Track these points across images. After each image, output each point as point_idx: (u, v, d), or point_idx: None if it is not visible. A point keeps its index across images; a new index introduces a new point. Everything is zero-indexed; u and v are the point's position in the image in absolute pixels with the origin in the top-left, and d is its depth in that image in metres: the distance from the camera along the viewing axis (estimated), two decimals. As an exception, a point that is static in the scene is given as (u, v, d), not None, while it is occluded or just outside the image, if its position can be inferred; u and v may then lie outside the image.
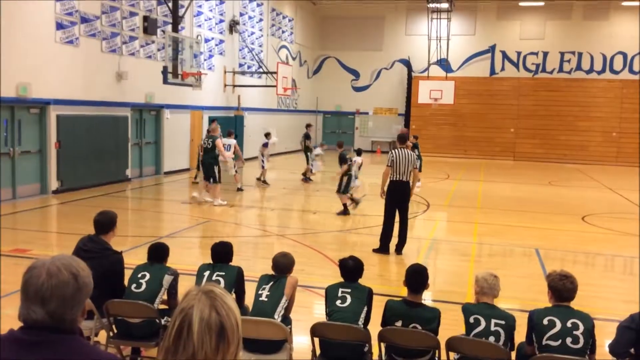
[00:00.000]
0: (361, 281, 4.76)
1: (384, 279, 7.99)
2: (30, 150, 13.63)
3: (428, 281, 4.45)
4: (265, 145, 16.90)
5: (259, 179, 17.05)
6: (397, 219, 9.35)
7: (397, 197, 9.15)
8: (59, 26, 13.88)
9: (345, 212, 12.64)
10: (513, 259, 9.83)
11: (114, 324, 4.77)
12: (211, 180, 13.35)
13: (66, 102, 14.27)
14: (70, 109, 14.42)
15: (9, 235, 10.22)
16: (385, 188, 9.30)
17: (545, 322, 3.98)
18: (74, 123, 14.57)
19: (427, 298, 7.07)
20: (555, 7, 29.34)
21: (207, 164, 13.46)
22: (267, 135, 17.21)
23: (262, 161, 16.83)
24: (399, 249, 9.29)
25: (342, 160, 13.16)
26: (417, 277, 4.42)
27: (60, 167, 14.23)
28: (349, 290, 4.55)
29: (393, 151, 9.12)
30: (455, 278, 8.42)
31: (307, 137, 18.71)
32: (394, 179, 9.09)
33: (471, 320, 4.11)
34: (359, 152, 14.49)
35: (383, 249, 9.29)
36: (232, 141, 14.50)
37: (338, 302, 4.48)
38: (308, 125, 20.08)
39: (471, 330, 4.09)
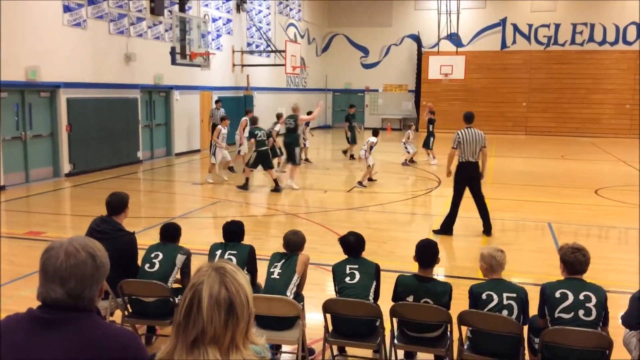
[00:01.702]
0: (372, 258, 4.77)
1: (395, 255, 8.01)
2: (41, 134, 13.71)
3: (438, 256, 4.45)
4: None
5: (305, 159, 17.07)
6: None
7: (467, 178, 8.84)
8: (66, 9, 13.85)
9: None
10: (526, 233, 9.80)
11: (129, 303, 4.83)
12: (291, 161, 13.06)
13: (76, 85, 14.30)
14: (80, 92, 14.46)
15: (23, 218, 10.34)
16: (452, 169, 9.10)
17: (557, 294, 3.98)
18: (84, 106, 14.62)
19: (439, 273, 7.09)
20: (567, -23, 28.81)
21: (288, 144, 12.95)
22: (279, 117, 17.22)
23: (304, 140, 16.86)
24: (487, 231, 8.97)
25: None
26: (427, 252, 4.42)
27: (72, 150, 14.32)
28: (357, 266, 4.56)
29: (460, 132, 8.80)
30: (468, 253, 8.41)
31: (351, 117, 18.76)
32: (463, 160, 8.79)
33: (484, 296, 4.11)
34: (375, 132, 14.25)
35: (446, 229, 9.02)
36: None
37: (347, 279, 4.50)
38: (351, 106, 19.98)
39: (484, 306, 4.09)
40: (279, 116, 16.60)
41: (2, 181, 12.36)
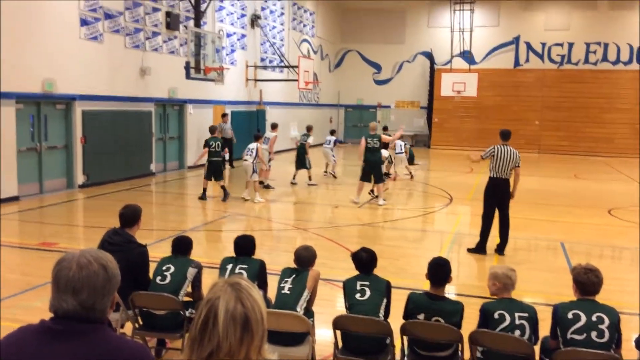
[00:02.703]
0: (383, 275, 4.76)
1: (406, 273, 7.98)
2: (56, 146, 13.86)
3: (451, 274, 4.44)
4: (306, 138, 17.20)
5: (327, 172, 17.70)
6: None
7: (497, 195, 8.87)
8: (83, 22, 14.06)
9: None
10: (538, 252, 9.74)
11: (140, 315, 4.85)
12: (379, 180, 13.03)
13: (91, 97, 14.47)
14: (95, 105, 14.62)
15: (36, 229, 10.43)
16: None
17: (570, 315, 3.94)
18: (99, 118, 14.77)
19: (451, 292, 7.04)
20: (581, -3, 28.84)
21: (374, 162, 12.80)
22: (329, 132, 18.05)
23: (333, 155, 17.42)
24: (500, 250, 8.97)
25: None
26: (439, 270, 4.40)
27: (86, 161, 14.45)
28: (367, 283, 4.55)
29: (496, 146, 8.82)
30: (479, 272, 8.37)
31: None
32: (494, 175, 8.81)
33: (496, 316, 4.09)
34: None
35: (479, 249, 8.99)
36: (255, 145, 13.46)
37: (357, 295, 4.49)
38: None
39: (496, 326, 4.06)
40: (309, 128, 16.87)
41: (17, 192, 12.49)
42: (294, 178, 16.22)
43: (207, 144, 13.29)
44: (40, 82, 12.91)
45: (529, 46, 30.28)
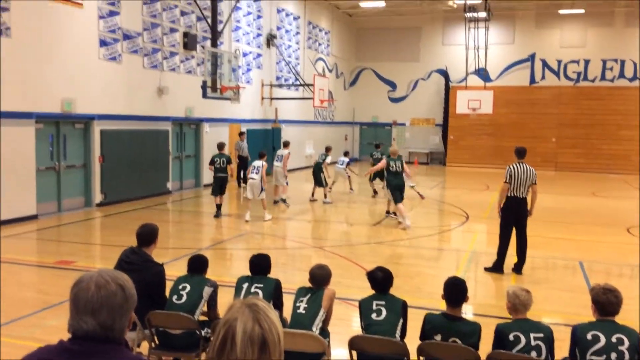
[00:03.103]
0: (399, 294, 4.73)
1: (422, 292, 7.92)
2: (75, 165, 14.03)
3: (467, 294, 4.40)
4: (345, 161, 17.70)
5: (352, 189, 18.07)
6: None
7: (514, 214, 8.81)
8: (102, 43, 14.30)
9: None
10: (556, 272, 9.62)
11: (156, 334, 4.86)
12: (398, 201, 12.72)
13: (109, 117, 14.66)
14: (113, 124, 14.81)
15: (54, 248, 10.53)
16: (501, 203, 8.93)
17: (589, 337, 3.89)
18: (117, 137, 14.95)
19: (467, 312, 6.97)
20: (596, 14, 28.76)
21: (397, 185, 12.69)
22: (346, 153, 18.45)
23: (348, 174, 17.81)
24: (518, 269, 8.90)
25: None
26: (455, 290, 4.37)
27: (103, 180, 14.60)
28: (383, 303, 4.53)
29: (511, 166, 8.76)
30: (496, 291, 8.28)
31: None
32: (511, 194, 8.75)
33: (511, 337, 4.04)
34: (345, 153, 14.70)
35: (497, 268, 8.92)
36: (260, 162, 13.38)
37: (373, 315, 4.46)
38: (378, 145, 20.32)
39: (512, 347, 4.02)
40: (328, 149, 17.11)
41: (35, 210, 12.63)
42: (312, 195, 16.35)
43: (212, 160, 13.69)
44: (60, 102, 13.12)
45: (544, 63, 30.21)
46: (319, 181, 16.10)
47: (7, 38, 11.66)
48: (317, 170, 16.10)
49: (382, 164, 12.95)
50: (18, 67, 11.96)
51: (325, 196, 16.18)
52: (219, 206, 13.54)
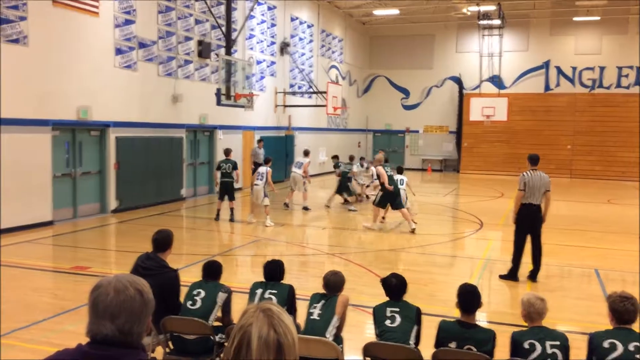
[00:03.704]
0: (412, 301, 4.72)
1: (436, 299, 7.88)
2: (90, 171, 14.16)
3: (481, 300, 4.38)
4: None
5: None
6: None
7: (529, 221, 8.77)
8: (118, 51, 14.45)
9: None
10: (571, 279, 9.54)
11: (170, 340, 4.88)
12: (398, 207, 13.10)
13: (124, 124, 14.79)
14: (128, 131, 14.94)
15: (70, 253, 10.62)
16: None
17: (606, 345, 3.85)
18: (132, 144, 15.08)
19: (482, 319, 6.93)
20: (611, 21, 28.57)
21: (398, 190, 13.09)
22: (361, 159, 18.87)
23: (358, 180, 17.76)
24: (533, 276, 8.85)
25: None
26: (469, 297, 4.34)
27: (119, 187, 14.72)
28: (397, 309, 4.52)
29: (525, 173, 8.75)
30: (511, 299, 8.22)
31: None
32: (526, 202, 8.72)
33: (526, 345, 4.01)
34: (399, 170, 14.33)
35: (511, 275, 8.87)
36: (265, 169, 13.77)
37: (387, 322, 4.45)
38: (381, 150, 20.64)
39: (527, 356, 3.98)
40: (352, 158, 17.47)
41: (51, 216, 12.76)
42: (344, 202, 16.79)
43: (219, 166, 13.97)
44: (76, 110, 13.26)
45: (559, 70, 30.05)
46: (346, 190, 16.55)
47: (25, 46, 11.83)
48: (345, 180, 16.49)
49: (384, 174, 12.90)
50: (35, 75, 12.12)
51: (346, 201, 16.62)
52: (226, 211, 13.90)
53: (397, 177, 13.56)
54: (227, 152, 14.34)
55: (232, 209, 13.86)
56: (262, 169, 13.66)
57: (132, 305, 1.86)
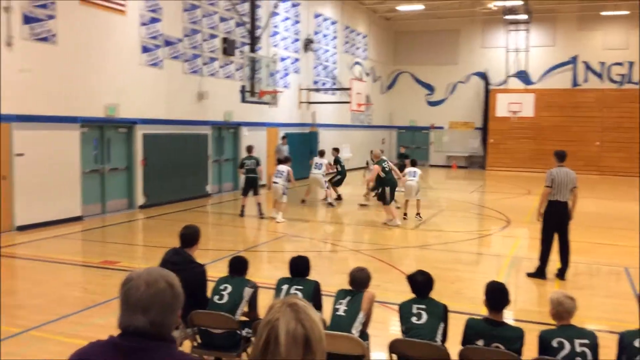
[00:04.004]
0: (438, 298, 4.70)
1: (462, 297, 7.84)
2: (118, 168, 14.37)
3: (509, 298, 4.34)
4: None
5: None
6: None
7: (556, 218, 8.68)
8: (144, 49, 14.62)
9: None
10: (600, 278, 9.40)
11: (198, 334, 4.94)
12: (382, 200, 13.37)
13: (151, 121, 14.97)
14: (155, 128, 15.11)
15: (98, 248, 10.80)
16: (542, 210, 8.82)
17: (636, 344, 3.80)
18: (159, 141, 15.25)
19: (509, 317, 6.87)
20: (641, 15, 28.00)
21: (394, 183, 13.33)
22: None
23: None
24: (561, 274, 8.75)
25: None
26: (498, 295, 4.31)
27: (146, 183, 14.92)
28: (424, 307, 4.50)
29: (552, 170, 8.67)
30: (539, 297, 8.14)
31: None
32: (552, 199, 8.63)
33: (554, 344, 3.97)
34: (413, 163, 14.87)
35: (539, 273, 8.80)
36: (285, 168, 13.94)
37: (414, 319, 4.44)
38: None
39: (556, 354, 3.94)
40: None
41: (81, 212, 12.98)
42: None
43: (242, 164, 14.10)
44: (104, 107, 13.46)
45: (587, 66, 29.55)
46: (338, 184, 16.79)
47: (53, 45, 12.04)
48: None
49: (376, 169, 13.13)
50: (63, 73, 12.33)
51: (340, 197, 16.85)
52: (250, 207, 14.05)
53: (410, 169, 14.06)
54: (250, 149, 14.54)
55: (259, 204, 13.97)
56: (283, 167, 13.83)
57: (164, 298, 1.88)
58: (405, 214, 13.84)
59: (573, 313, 4.18)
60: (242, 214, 14.02)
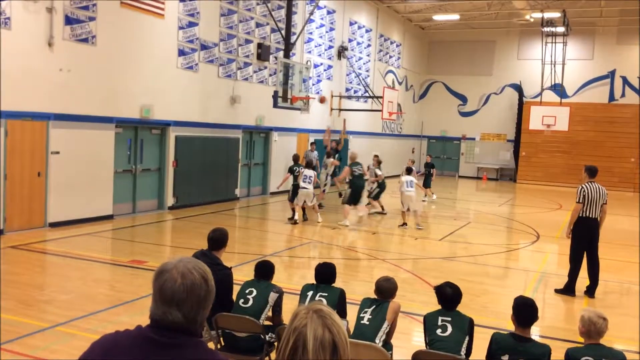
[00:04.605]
0: (464, 311, 4.65)
1: (489, 311, 7.74)
2: (150, 168, 14.58)
3: (537, 314, 4.27)
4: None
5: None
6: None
7: (587, 235, 8.56)
8: (181, 53, 14.84)
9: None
10: (631, 297, 9.17)
11: (222, 336, 4.98)
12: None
13: (184, 123, 15.17)
14: (187, 130, 15.31)
15: (128, 247, 10.97)
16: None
17: None
18: (190, 143, 15.44)
19: (535, 333, 6.76)
20: (684, 29, 27.35)
21: (359, 186, 14.58)
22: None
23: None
24: (591, 292, 8.62)
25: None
26: (526, 310, 4.23)
27: (176, 184, 15.10)
28: (449, 319, 4.45)
29: (584, 186, 8.56)
30: (566, 314, 7.99)
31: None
32: (583, 215, 8.52)
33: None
34: (408, 171, 14.75)
35: (568, 290, 8.68)
36: (312, 172, 14.17)
37: (438, 331, 4.40)
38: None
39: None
40: (296, 158, 16.80)
41: (112, 211, 13.21)
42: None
43: (291, 169, 14.54)
44: (139, 108, 13.69)
45: (625, 80, 28.97)
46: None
47: (93, 46, 12.30)
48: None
49: (346, 171, 14.50)
50: (101, 74, 12.58)
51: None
52: (294, 210, 14.32)
53: (406, 178, 14.17)
54: (296, 158, 15.07)
55: (294, 209, 14.30)
56: (310, 172, 14.07)
57: (199, 291, 1.86)
58: (404, 223, 14.03)
59: (603, 334, 4.09)
60: (293, 217, 14.18)
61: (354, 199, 14.29)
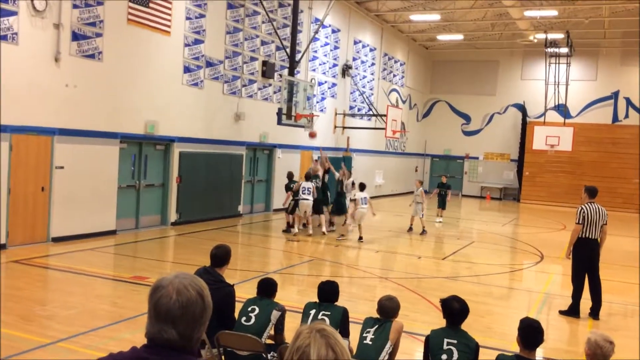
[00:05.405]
0: (468, 332, 4.58)
1: (493, 332, 7.68)
2: (154, 184, 14.60)
3: (543, 337, 4.23)
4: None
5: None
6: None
7: (587, 256, 8.54)
8: (186, 69, 14.93)
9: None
10: (635, 319, 9.09)
11: (224, 354, 4.94)
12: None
13: (188, 139, 15.22)
14: (191, 147, 15.35)
15: (130, 263, 10.94)
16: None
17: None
18: (194, 160, 15.48)
19: (538, 355, 6.70)
20: (687, 51, 27.44)
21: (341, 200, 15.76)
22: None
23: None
24: (595, 313, 8.55)
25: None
26: (532, 332, 4.18)
27: (179, 200, 15.11)
28: (455, 342, 4.34)
29: (584, 206, 8.53)
30: (570, 336, 7.92)
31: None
32: (583, 236, 8.50)
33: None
34: (361, 187, 15.11)
35: (572, 311, 8.61)
36: (310, 184, 14.84)
37: (444, 357, 4.25)
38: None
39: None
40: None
41: (115, 226, 13.20)
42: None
43: (288, 188, 15.15)
44: (144, 124, 13.74)
45: (628, 102, 29.02)
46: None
47: (99, 62, 12.39)
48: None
49: (298, 184, 15.02)
50: (107, 90, 12.66)
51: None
52: (289, 223, 15.10)
53: (361, 195, 14.56)
54: (308, 176, 15.33)
55: (320, 223, 15.13)
56: (308, 184, 14.48)
57: (194, 308, 1.83)
58: (360, 237, 14.38)
59: (609, 358, 4.05)
60: (305, 226, 15.03)
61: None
